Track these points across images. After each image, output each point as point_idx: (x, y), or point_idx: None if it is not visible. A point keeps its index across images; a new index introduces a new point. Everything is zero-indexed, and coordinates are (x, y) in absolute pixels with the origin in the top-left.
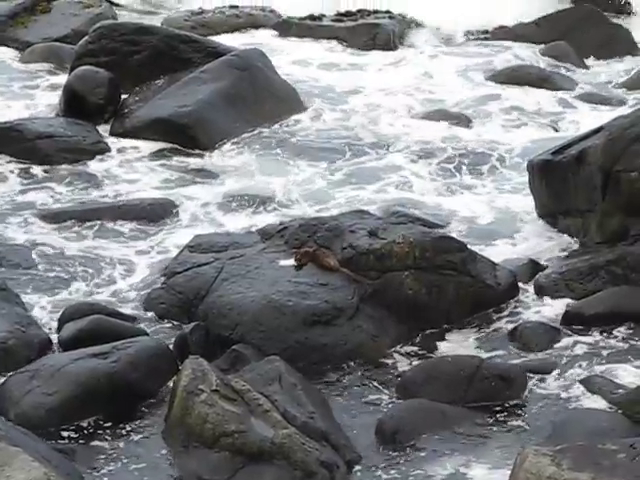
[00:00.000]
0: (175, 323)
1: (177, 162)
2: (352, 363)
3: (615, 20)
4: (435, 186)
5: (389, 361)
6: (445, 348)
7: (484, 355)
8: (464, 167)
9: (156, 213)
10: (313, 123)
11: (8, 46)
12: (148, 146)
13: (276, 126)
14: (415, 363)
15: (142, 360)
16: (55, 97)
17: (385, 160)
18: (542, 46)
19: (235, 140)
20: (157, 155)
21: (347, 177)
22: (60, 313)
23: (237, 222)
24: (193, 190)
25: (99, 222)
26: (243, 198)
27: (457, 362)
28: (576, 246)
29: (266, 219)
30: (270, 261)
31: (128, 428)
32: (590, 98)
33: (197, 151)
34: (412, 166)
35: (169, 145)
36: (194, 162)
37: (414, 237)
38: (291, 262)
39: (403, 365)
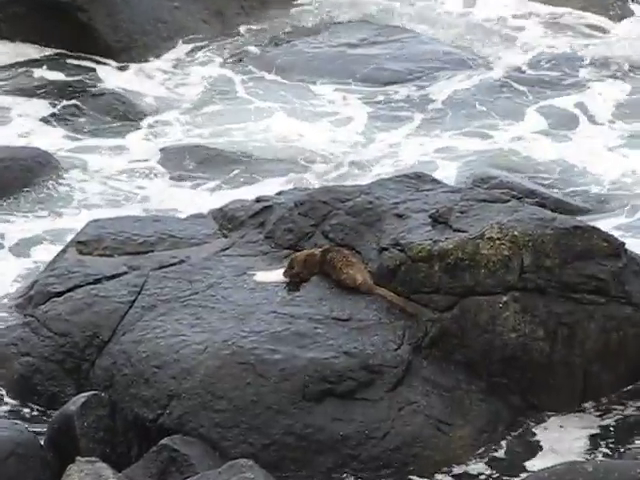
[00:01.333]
0: (49, 394)
1: (60, 81)
2: (398, 476)
3: None
4: (569, 131)
5: (471, 471)
6: (581, 446)
7: None
8: (620, 92)
9: (17, 178)
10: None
11: None
12: (3, 50)
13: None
14: (523, 474)
15: None
16: None
17: (478, 79)
18: None
19: (178, 37)
20: (20, 67)
21: (397, 113)
22: None
23: (176, 197)
24: (92, 138)
25: None
26: (191, 154)
27: (606, 474)
28: None
29: (232, 193)
30: (237, 273)
31: None
32: None
33: (100, 59)
34: (520, 91)
35: (45, 47)
36: (93, 82)
37: (522, 228)
38: (278, 275)
39: (499, 479)
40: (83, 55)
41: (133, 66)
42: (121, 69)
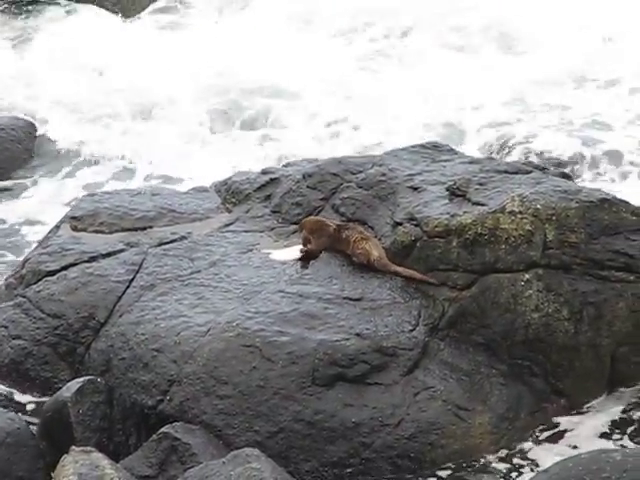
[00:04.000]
0: (42, 379)
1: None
2: (413, 465)
3: None
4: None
5: (492, 461)
6: (608, 434)
7: None
8: None
9: (7, 149)
10: None
11: None
12: None
13: None
14: (547, 463)
15: None
16: None
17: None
18: None
19: None
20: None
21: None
22: None
23: (174, 167)
24: (81, 103)
25: None
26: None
27: (635, 463)
28: None
29: (240, 161)
30: (242, 249)
31: None
32: None
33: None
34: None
35: None
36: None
37: (545, 201)
38: (290, 252)
39: (521, 469)
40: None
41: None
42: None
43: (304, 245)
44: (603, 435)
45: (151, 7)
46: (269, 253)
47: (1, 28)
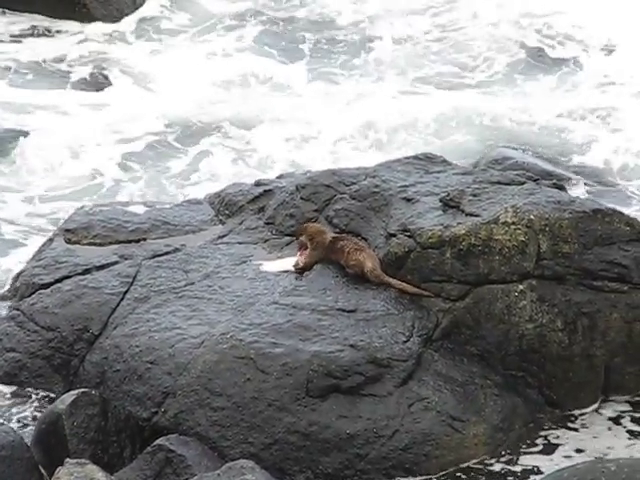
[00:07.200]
0: (37, 392)
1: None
2: (408, 476)
3: None
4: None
5: (487, 472)
6: (603, 445)
7: None
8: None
9: None
10: None
11: None
12: None
13: None
14: (542, 474)
15: None
16: None
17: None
18: None
19: None
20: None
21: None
22: None
23: (168, 181)
24: (70, 105)
25: None
26: (185, 128)
27: (630, 474)
28: None
29: (230, 173)
30: (236, 261)
31: None
32: None
33: (90, 24)
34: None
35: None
36: (75, 46)
37: (538, 211)
38: (284, 264)
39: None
40: (68, 19)
41: (126, 21)
42: (105, 29)
43: (299, 249)
44: (598, 446)
45: None
46: (263, 265)
47: None
